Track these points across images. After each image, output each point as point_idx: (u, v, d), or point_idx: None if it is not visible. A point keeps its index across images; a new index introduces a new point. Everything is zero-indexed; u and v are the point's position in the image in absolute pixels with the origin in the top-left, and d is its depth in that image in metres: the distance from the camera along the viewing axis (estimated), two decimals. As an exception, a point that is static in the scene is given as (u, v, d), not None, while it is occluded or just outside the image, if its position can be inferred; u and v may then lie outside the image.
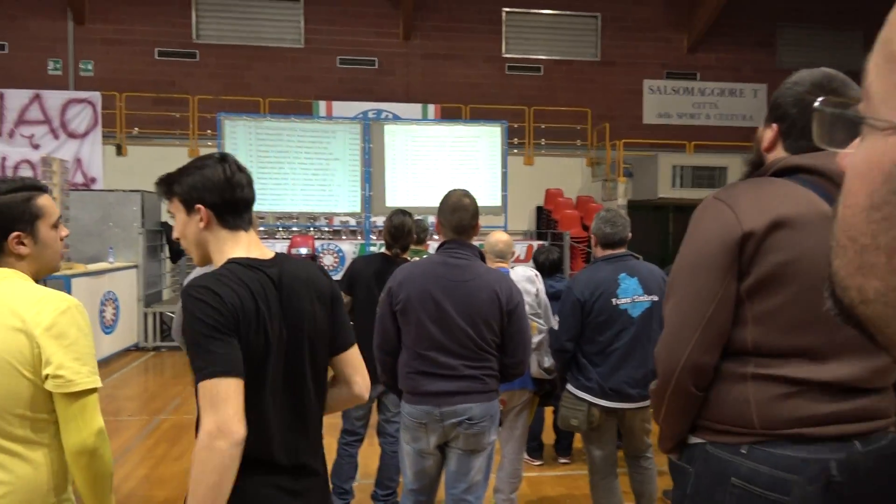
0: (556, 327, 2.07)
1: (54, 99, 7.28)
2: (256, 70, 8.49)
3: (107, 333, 5.09)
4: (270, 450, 0.96)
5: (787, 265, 0.78)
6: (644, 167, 7.58)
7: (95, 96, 7.47)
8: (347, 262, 5.63)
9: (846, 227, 0.24)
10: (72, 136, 7.18)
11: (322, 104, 7.82)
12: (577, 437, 2.95)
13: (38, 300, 0.99)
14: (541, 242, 6.44)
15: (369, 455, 2.67)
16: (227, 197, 1.01)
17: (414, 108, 7.99)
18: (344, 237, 6.54)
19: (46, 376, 0.96)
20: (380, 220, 6.16)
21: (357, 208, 6.31)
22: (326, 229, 6.58)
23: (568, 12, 8.82)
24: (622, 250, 2.06)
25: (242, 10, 8.40)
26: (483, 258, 1.74)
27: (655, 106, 8.84)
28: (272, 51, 8.43)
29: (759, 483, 0.77)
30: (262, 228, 6.17)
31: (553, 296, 2.58)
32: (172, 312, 5.23)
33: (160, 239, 6.44)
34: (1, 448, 0.95)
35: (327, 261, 6.19)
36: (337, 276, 4.40)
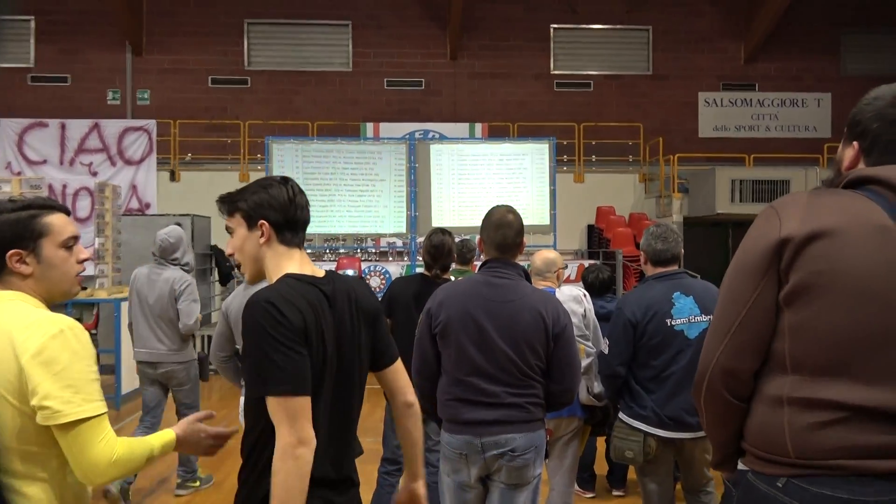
0: (605, 350, 1.99)
1: (112, 127, 7.67)
2: (305, 94, 8.65)
3: (157, 355, 5.74)
4: (321, 463, 0.97)
5: (824, 275, 0.75)
6: (700, 182, 7.44)
7: (151, 124, 7.83)
8: (394, 284, 5.80)
9: None
10: (128, 162, 7.53)
11: (369, 126, 7.97)
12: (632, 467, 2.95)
13: (30, 324, 0.94)
14: (592, 262, 6.48)
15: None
16: (290, 216, 1.07)
17: (461, 128, 8.06)
18: (390, 258, 6.58)
19: (34, 408, 0.91)
20: (427, 242, 6.59)
21: (403, 229, 6.39)
22: (373, 251, 6.66)
23: (618, 26, 8.79)
24: (675, 268, 2.00)
25: (292, 35, 8.64)
26: (528, 278, 1.71)
27: (711, 119, 8.71)
28: (320, 75, 8.64)
29: None
30: (308, 251, 5.35)
31: (604, 317, 2.52)
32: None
33: (209, 262, 6.62)
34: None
35: (374, 283, 6.23)
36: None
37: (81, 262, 1.04)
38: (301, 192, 1.11)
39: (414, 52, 8.74)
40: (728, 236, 8.14)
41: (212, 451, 1.05)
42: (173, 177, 7.80)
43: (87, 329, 1.39)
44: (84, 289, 3.54)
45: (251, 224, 1.08)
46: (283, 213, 1.07)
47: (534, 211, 6.44)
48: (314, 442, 0.92)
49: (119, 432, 0.94)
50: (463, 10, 8.20)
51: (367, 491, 1.10)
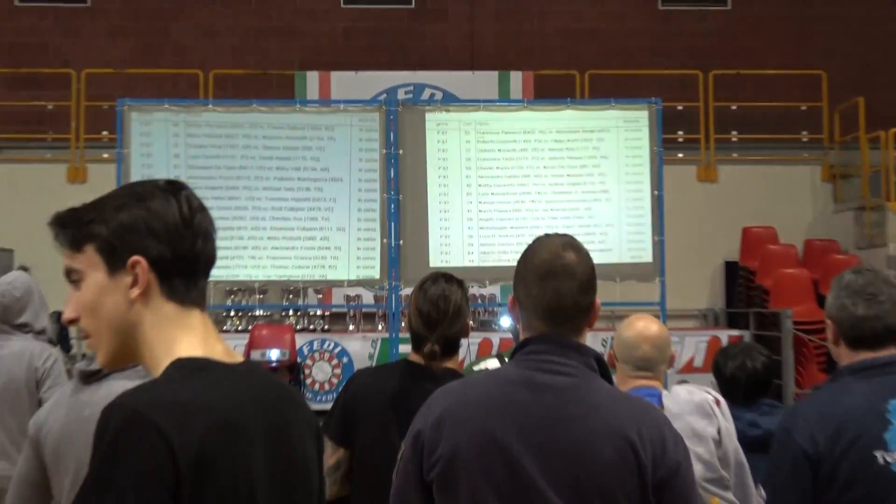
0: (761, 508, 1.99)
1: None
2: (192, 20, 9.72)
3: None
4: None
5: None
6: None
7: None
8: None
9: None
10: None
11: (312, 77, 8.75)
12: None
13: None
14: (734, 333, 6.72)
15: None
16: (184, 249, 1.18)
17: (484, 81, 8.75)
18: (351, 327, 7.56)
19: None
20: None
21: (374, 272, 6.52)
22: (318, 312, 7.37)
23: None
24: (892, 352, 2.01)
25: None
26: (606, 371, 1.78)
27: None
28: (220, -18, 9.67)
29: None
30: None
31: (756, 443, 2.58)
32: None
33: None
34: None
35: (320, 375, 6.87)
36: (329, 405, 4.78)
37: None
38: (202, 207, 1.21)
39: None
40: None
41: None
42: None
43: None
44: None
45: (114, 264, 1.17)
46: (174, 244, 1.17)
47: (620, 237, 6.59)
48: None
49: None
50: None
51: None
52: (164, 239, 1.19)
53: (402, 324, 6.61)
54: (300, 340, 6.93)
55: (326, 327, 7.81)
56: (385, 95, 8.67)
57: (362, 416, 2.67)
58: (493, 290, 7.89)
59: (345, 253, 6.59)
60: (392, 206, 6.54)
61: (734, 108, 8.50)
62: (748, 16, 9.25)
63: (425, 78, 9.04)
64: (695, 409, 2.33)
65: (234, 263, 6.48)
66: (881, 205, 7.47)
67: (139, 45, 9.93)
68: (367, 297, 7.95)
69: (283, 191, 6.58)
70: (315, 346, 7.24)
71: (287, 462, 1.21)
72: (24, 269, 3.33)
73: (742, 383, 2.91)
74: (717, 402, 2.40)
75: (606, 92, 8.45)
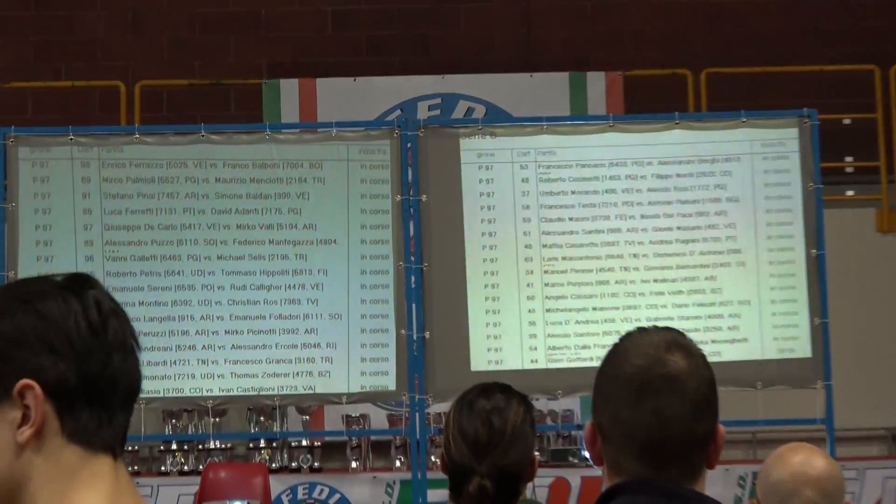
0: None
1: None
2: (107, 4, 9.88)
3: None
4: None
5: None
6: None
7: None
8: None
9: None
10: None
11: (288, 87, 8.87)
12: None
13: None
14: None
15: None
16: (93, 370, 1.25)
17: (548, 87, 8.81)
18: (355, 464, 7.51)
19: None
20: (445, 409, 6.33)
21: (388, 379, 6.67)
22: (304, 443, 7.47)
23: None
24: None
25: None
26: None
27: None
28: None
29: None
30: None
31: None
32: None
33: None
34: None
35: None
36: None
37: None
38: (117, 311, 1.27)
39: None
40: None
41: None
42: None
43: None
44: None
45: None
46: (79, 363, 1.23)
47: (761, 321, 6.67)
48: None
49: None
50: None
51: None
52: (65, 356, 1.26)
53: (433, 458, 6.91)
54: (277, 486, 6.98)
55: (317, 465, 7.68)
56: (399, 113, 8.63)
57: None
58: (570, 404, 7.92)
59: (342, 352, 6.64)
60: (413, 279, 6.58)
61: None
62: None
63: (459, 85, 9.09)
64: None
65: (175, 372, 6.56)
66: None
67: (28, 44, 10.15)
68: (378, 419, 7.81)
69: (247, 260, 6.69)
70: (300, 495, 7.13)
71: None
72: None
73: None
74: None
75: (733, 101, 8.37)
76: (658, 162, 6.87)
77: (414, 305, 6.62)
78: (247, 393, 6.75)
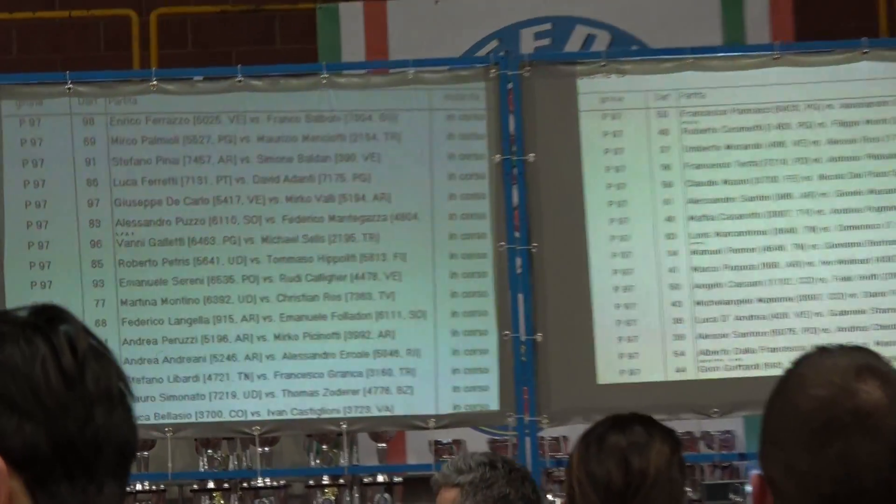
0: None
1: None
2: None
3: None
4: None
5: None
6: None
7: None
8: None
9: None
10: None
11: (350, 13, 8.22)
12: None
13: None
14: None
15: None
16: (70, 431, 1.21)
17: (694, 2, 8.07)
18: None
19: None
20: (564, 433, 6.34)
21: (488, 396, 6.10)
22: (379, 480, 6.87)
23: None
24: None
25: None
26: None
27: None
28: None
29: None
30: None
31: None
32: None
33: None
34: None
35: None
36: None
37: None
38: (97, 348, 1.20)
39: None
40: None
41: None
42: None
43: None
44: None
45: None
46: (50, 422, 1.20)
47: None
48: None
49: None
50: None
51: None
52: (33, 415, 1.17)
53: (549, 497, 6.45)
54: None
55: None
56: (497, 44, 7.95)
57: None
58: (731, 423, 7.25)
59: (428, 362, 6.04)
60: (519, 262, 5.99)
61: None
62: None
63: (575, 5, 8.23)
64: None
65: (211, 390, 5.97)
66: None
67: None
68: (476, 446, 6.89)
69: (301, 243, 6.08)
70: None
71: None
72: None
73: None
74: None
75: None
76: (840, 105, 6.23)
77: (521, 299, 6.03)
78: (304, 416, 6.14)
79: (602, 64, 6.29)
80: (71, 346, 1.19)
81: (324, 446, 6.97)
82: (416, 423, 6.22)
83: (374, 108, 6.22)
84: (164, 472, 6.24)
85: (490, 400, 6.06)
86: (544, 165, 6.07)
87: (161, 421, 6.08)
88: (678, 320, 6.07)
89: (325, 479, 7.14)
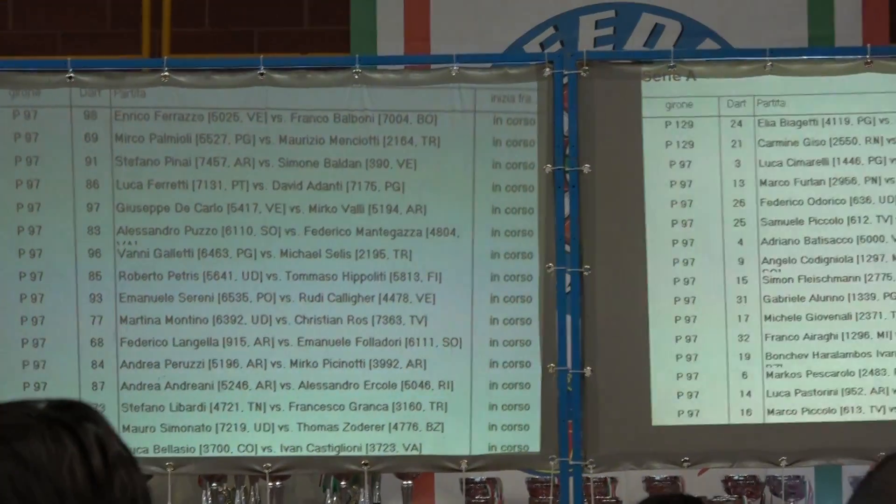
0: None
1: None
2: None
3: None
4: None
5: None
6: None
7: None
8: None
9: None
10: None
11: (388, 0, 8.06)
12: None
13: None
14: None
15: None
16: None
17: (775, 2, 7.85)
18: None
19: None
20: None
21: (529, 435, 5.84)
22: None
23: None
24: None
25: None
26: None
27: None
28: None
29: None
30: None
31: None
32: None
33: None
34: None
35: None
36: None
37: None
38: (125, 455, 1.24)
39: None
40: None
41: None
42: None
43: None
44: None
45: None
46: None
47: None
48: None
49: None
50: None
51: None
52: None
53: None
54: None
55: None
56: (553, 32, 7.68)
57: None
58: (800, 469, 6.70)
59: (462, 395, 5.77)
60: (568, 287, 5.75)
61: None
62: None
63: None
64: None
65: (218, 420, 5.71)
66: None
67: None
68: (514, 488, 6.70)
69: (324, 258, 5.79)
70: None
71: None
72: None
73: None
74: None
75: None
76: None
77: (569, 327, 5.74)
78: (322, 453, 5.82)
79: (670, 65, 5.93)
80: (101, 449, 1.20)
81: (342, 482, 6.64)
82: (446, 464, 5.91)
83: (412, 109, 5.90)
84: (163, 510, 6.02)
85: (530, 440, 5.76)
86: (601, 178, 5.74)
87: (161, 454, 5.78)
88: (745, 356, 5.71)
89: (343, 525, 6.93)
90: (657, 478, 5.92)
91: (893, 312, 5.75)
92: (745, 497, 6.17)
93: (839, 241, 5.78)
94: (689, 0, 8.15)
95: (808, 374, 5.70)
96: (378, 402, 5.75)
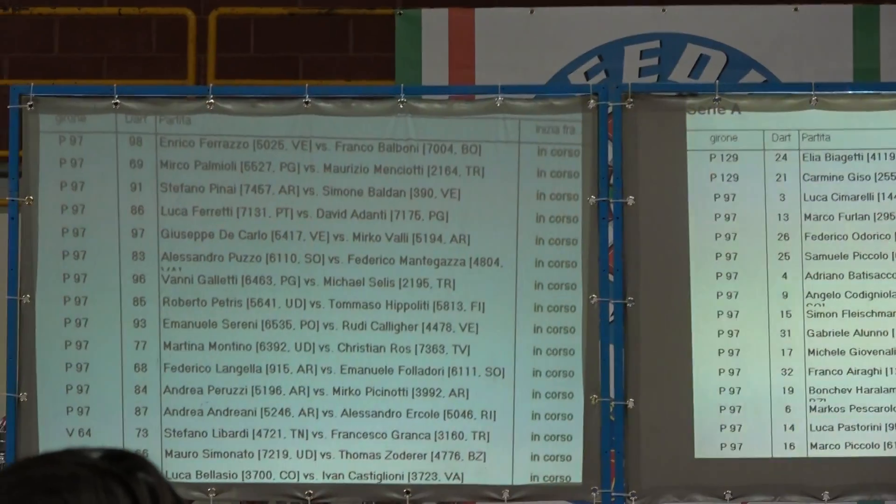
0: None
1: None
2: None
3: None
4: None
5: None
6: None
7: None
8: None
9: None
10: None
11: (434, 21, 8.01)
12: None
13: None
14: None
15: None
16: None
17: (819, 27, 7.90)
18: None
19: None
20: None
21: (571, 467, 5.87)
22: None
23: None
24: None
25: None
26: None
27: None
28: None
29: None
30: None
31: None
32: None
33: None
34: None
35: None
36: None
37: None
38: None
39: None
40: None
41: None
42: None
43: None
44: None
45: None
46: None
47: None
48: None
49: None
50: None
51: None
52: None
53: None
54: None
55: None
56: (597, 62, 7.70)
57: None
58: None
59: (504, 425, 5.77)
60: (612, 318, 5.78)
61: None
62: None
63: (687, 19, 7.87)
64: None
65: (260, 447, 5.74)
66: None
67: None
68: None
69: (367, 286, 5.82)
70: None
71: None
72: None
73: None
74: None
75: None
76: None
77: (612, 360, 5.79)
78: (364, 480, 5.83)
79: (715, 98, 5.93)
80: (154, 501, 1.20)
81: (381, 511, 6.59)
82: (488, 493, 5.87)
83: (456, 139, 5.92)
84: (204, 538, 5.86)
85: (573, 471, 5.74)
86: (645, 210, 5.75)
87: (203, 480, 5.80)
88: (789, 391, 5.71)
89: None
90: (699, 511, 5.78)
91: None
92: (786, 530, 6.01)
93: (883, 276, 5.77)
94: (735, 31, 8.21)
95: (851, 409, 5.66)
96: (420, 431, 5.75)
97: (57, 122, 5.87)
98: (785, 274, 5.81)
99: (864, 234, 5.82)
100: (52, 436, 5.71)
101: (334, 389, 5.77)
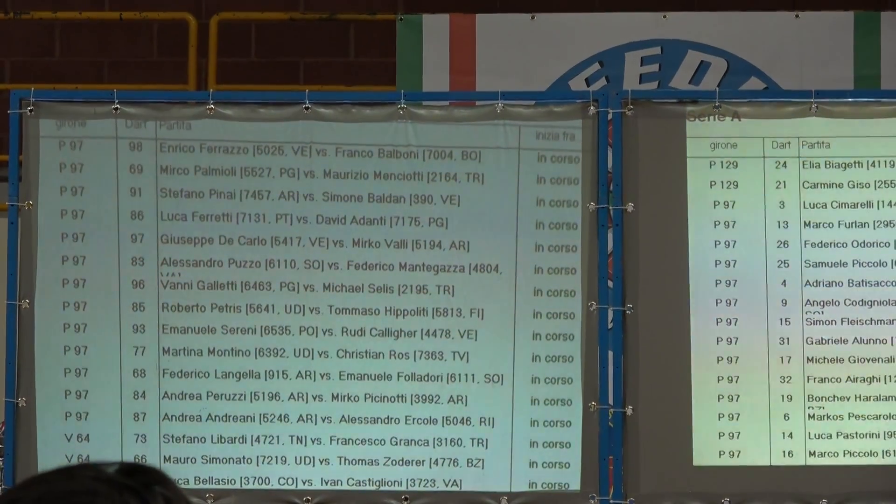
0: None
1: None
2: None
3: None
4: None
5: None
6: None
7: None
8: None
9: None
10: None
11: (435, 26, 8.05)
12: None
13: None
14: None
15: None
16: None
17: (819, 35, 7.94)
18: None
19: None
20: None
21: (570, 473, 5.86)
22: None
23: None
24: None
25: None
26: None
27: None
28: None
29: None
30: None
31: None
32: None
33: None
34: None
35: None
36: None
37: None
38: None
39: None
40: None
41: None
42: None
43: None
44: None
45: None
46: None
47: None
48: None
49: None
50: None
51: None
52: None
53: None
54: None
55: None
56: (598, 68, 7.67)
57: None
58: None
59: (503, 432, 5.79)
60: (611, 325, 5.83)
61: None
62: None
63: (688, 26, 7.91)
64: None
65: (259, 453, 5.77)
66: None
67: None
68: None
69: (367, 293, 5.83)
70: None
71: None
72: None
73: None
74: None
75: None
76: None
77: (611, 366, 5.79)
78: (362, 487, 5.85)
79: (716, 105, 5.94)
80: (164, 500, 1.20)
81: (381, 517, 6.58)
82: (486, 500, 5.88)
83: (456, 145, 5.92)
84: (202, 543, 5.84)
85: (571, 478, 5.75)
86: (645, 217, 5.76)
87: (202, 486, 5.79)
88: (787, 398, 5.72)
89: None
90: (697, 518, 5.78)
91: None
92: (784, 538, 6.01)
93: (883, 283, 5.77)
94: (735, 38, 8.24)
95: (850, 417, 5.68)
96: (419, 438, 5.75)
97: (57, 126, 5.88)
98: (784, 281, 5.80)
99: (864, 242, 5.82)
100: (51, 441, 5.68)
101: (333, 396, 5.76)
